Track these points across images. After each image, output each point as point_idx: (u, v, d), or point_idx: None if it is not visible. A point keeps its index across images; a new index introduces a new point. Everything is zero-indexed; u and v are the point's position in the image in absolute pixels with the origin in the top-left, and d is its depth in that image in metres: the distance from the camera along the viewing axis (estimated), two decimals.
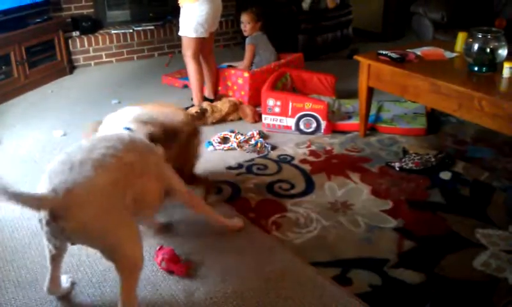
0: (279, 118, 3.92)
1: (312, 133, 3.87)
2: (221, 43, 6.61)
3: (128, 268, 2.01)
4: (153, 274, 2.40)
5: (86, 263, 2.49)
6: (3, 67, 4.80)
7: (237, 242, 2.60)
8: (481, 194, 3.01)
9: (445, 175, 3.20)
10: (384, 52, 3.53)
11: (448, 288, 2.27)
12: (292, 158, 3.50)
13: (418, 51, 3.61)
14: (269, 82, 4.12)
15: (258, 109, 4.21)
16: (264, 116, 4.00)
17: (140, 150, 2.18)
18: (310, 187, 3.12)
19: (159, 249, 2.47)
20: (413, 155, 3.42)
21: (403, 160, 3.36)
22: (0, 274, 2.43)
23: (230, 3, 6.47)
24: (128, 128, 2.37)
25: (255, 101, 4.35)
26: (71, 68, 5.73)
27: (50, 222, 1.86)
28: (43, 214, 1.87)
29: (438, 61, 3.50)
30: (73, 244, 2.06)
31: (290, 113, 3.89)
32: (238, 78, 4.51)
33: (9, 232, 2.76)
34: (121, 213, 1.97)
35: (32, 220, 2.84)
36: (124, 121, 2.44)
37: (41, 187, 1.91)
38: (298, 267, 2.42)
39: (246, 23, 4.71)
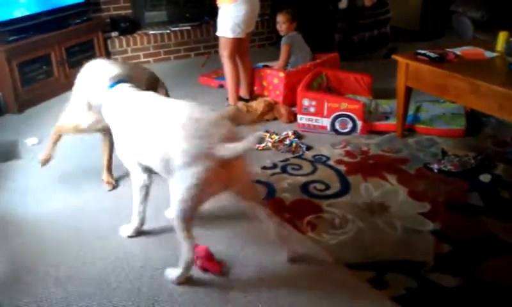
0: (314, 118, 3.91)
1: (348, 133, 3.84)
2: (256, 43, 6.61)
3: None
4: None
5: (123, 260, 2.53)
6: (44, 67, 4.93)
7: (272, 241, 2.60)
8: None
9: (485, 178, 3.13)
10: (422, 52, 3.47)
11: (488, 293, 2.22)
12: (328, 158, 3.48)
13: (458, 51, 3.53)
14: (305, 82, 4.10)
15: (293, 108, 4.20)
16: (299, 116, 3.99)
17: None
18: (345, 188, 3.09)
19: (195, 247, 2.49)
20: (452, 156, 3.35)
21: (441, 161, 3.30)
22: (41, 268, 2.49)
23: (265, 3, 6.47)
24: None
25: (290, 101, 4.34)
26: None
27: None
28: None
29: (478, 60, 3.42)
30: None
31: (325, 113, 3.86)
32: (273, 78, 4.51)
33: (50, 228, 2.83)
34: None
35: (73, 218, 2.91)
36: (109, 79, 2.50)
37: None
38: (333, 268, 2.41)
39: (282, 23, 4.71)
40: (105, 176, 3.27)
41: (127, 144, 2.39)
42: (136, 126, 2.28)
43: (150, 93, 2.47)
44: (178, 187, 2.10)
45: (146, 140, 2.23)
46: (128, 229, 2.70)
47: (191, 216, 2.18)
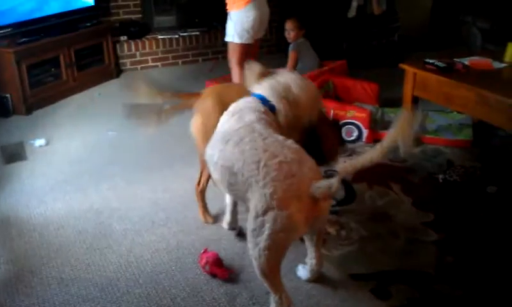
0: None
1: (354, 141, 3.84)
2: (264, 49, 6.62)
3: None
4: (196, 277, 2.43)
5: (133, 264, 2.54)
6: (53, 69, 4.97)
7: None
8: None
9: (491, 189, 3.11)
10: (431, 61, 3.47)
11: (490, 305, 2.21)
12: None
13: (466, 61, 3.53)
14: None
15: None
16: None
17: None
18: (350, 196, 3.09)
19: (203, 253, 2.50)
20: (458, 167, 3.34)
21: (447, 172, 3.29)
22: (44, 270, 2.50)
23: (274, 10, 6.47)
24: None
25: None
26: (118, 71, 5.86)
27: None
28: None
29: (486, 71, 3.41)
30: None
31: None
32: None
33: (55, 229, 2.85)
34: None
35: (79, 219, 2.92)
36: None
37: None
38: (336, 277, 2.40)
39: (290, 30, 4.73)
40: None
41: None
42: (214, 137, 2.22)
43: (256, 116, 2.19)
44: (267, 232, 1.89)
45: (214, 157, 2.16)
46: (224, 224, 2.74)
47: (279, 263, 2.00)
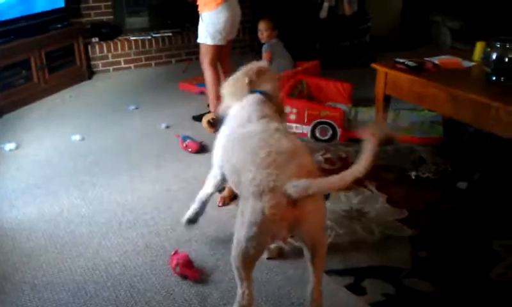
0: (294, 125, 3.92)
1: (328, 141, 3.87)
2: (237, 50, 6.62)
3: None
4: (167, 278, 2.42)
5: (101, 267, 2.51)
6: (23, 72, 4.88)
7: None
8: (498, 203, 2.98)
9: (462, 185, 3.17)
10: (401, 61, 3.51)
11: (464, 299, 2.25)
12: None
13: (436, 60, 3.58)
14: (285, 89, 4.12)
15: None
16: None
17: None
18: (325, 195, 3.10)
19: (174, 254, 2.49)
20: (430, 164, 3.39)
21: (420, 169, 3.34)
22: (17, 275, 2.46)
23: (247, 11, 6.49)
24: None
25: None
26: (90, 73, 5.80)
27: None
28: None
29: (455, 70, 3.47)
30: None
31: (305, 120, 3.89)
32: None
33: (26, 234, 2.80)
34: None
35: (49, 223, 2.88)
36: None
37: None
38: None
39: (263, 30, 4.74)
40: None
41: (221, 143, 2.32)
42: (229, 135, 2.22)
43: (264, 110, 2.23)
44: (244, 221, 1.85)
45: (228, 154, 2.17)
46: (186, 215, 2.64)
47: (254, 256, 1.92)
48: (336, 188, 1.90)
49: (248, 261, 1.93)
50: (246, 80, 2.36)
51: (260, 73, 2.40)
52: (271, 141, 1.94)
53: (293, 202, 1.77)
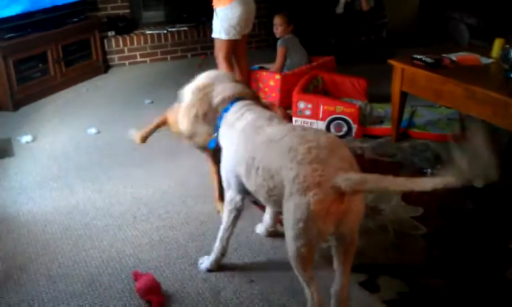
0: (309, 120, 3.91)
1: (343, 136, 3.84)
2: (253, 45, 6.62)
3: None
4: (180, 271, 2.43)
5: (115, 259, 2.53)
6: (40, 65, 4.92)
7: (265, 244, 2.60)
8: None
9: (478, 183, 3.13)
10: (418, 57, 3.48)
11: (479, 298, 2.23)
12: None
13: (454, 56, 3.54)
14: (300, 84, 4.11)
15: (288, 111, 4.20)
16: (294, 119, 3.99)
17: None
18: None
19: (137, 276, 2.35)
20: (446, 161, 3.36)
21: (436, 166, 3.31)
22: (32, 267, 2.48)
23: (263, 5, 6.47)
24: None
25: (286, 103, 4.34)
26: (106, 67, 5.83)
27: None
28: None
29: (473, 66, 3.43)
30: None
31: (321, 116, 3.87)
32: (269, 80, 4.51)
33: (42, 226, 2.82)
34: None
35: (65, 215, 2.91)
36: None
37: None
38: (326, 270, 2.40)
39: (278, 25, 4.73)
40: (219, 204, 2.85)
41: (234, 162, 2.17)
42: (246, 146, 2.08)
43: (266, 112, 2.21)
44: (289, 220, 1.82)
45: (254, 162, 2.00)
46: (206, 261, 2.43)
47: (307, 255, 1.87)
48: (397, 190, 1.82)
49: (303, 261, 1.88)
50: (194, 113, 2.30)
51: (206, 88, 2.35)
52: (309, 137, 1.87)
53: (340, 196, 1.73)
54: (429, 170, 3.27)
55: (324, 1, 5.96)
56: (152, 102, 4.75)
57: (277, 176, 1.87)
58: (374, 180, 1.71)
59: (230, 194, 2.30)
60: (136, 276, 2.33)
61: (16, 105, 4.60)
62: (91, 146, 3.84)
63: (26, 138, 3.94)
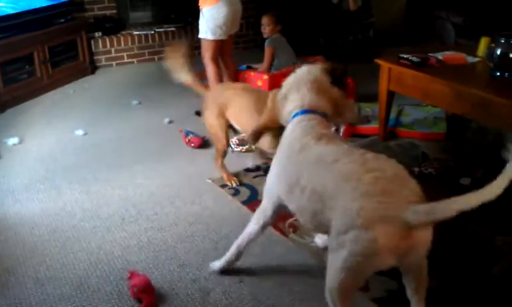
0: None
1: None
2: (240, 45, 6.62)
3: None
4: (169, 273, 2.42)
5: (104, 262, 2.51)
6: (26, 66, 4.89)
7: (254, 244, 2.60)
8: (502, 201, 2.96)
9: (465, 181, 3.16)
10: (405, 56, 3.50)
11: (466, 295, 2.25)
12: None
13: (440, 55, 3.57)
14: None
15: None
16: None
17: None
18: None
19: (131, 276, 2.34)
20: (433, 159, 3.38)
21: (422, 165, 3.33)
22: (20, 270, 2.46)
23: (250, 5, 6.48)
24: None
25: None
26: (93, 68, 5.80)
27: None
28: None
29: (459, 65, 3.46)
30: None
31: None
32: (257, 80, 4.51)
33: (29, 228, 2.80)
34: None
35: (53, 217, 2.89)
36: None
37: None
38: (314, 270, 2.41)
39: (266, 25, 4.73)
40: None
41: (280, 180, 2.07)
42: (290, 162, 2.00)
43: (318, 129, 2.03)
44: (341, 252, 1.68)
45: (300, 181, 1.89)
46: (218, 263, 2.40)
47: (351, 289, 1.78)
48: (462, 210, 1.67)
49: (345, 294, 1.77)
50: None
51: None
52: (371, 164, 1.76)
53: (408, 230, 1.60)
54: (416, 168, 3.29)
55: (312, 1, 5.98)
56: (140, 103, 4.74)
57: (330, 201, 1.75)
58: (443, 207, 1.61)
59: (265, 203, 2.23)
60: (132, 275, 2.32)
61: (3, 107, 4.56)
62: (78, 148, 3.82)
63: (13, 140, 3.91)
